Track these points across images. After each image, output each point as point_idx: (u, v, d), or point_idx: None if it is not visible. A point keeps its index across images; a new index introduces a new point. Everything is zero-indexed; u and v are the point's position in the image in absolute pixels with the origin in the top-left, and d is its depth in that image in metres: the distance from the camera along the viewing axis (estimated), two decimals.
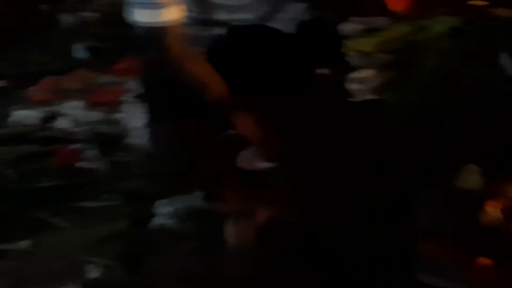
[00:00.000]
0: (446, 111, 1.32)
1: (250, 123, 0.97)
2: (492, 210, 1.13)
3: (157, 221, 1.39)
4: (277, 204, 1.20)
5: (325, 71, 1.09)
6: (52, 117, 1.85)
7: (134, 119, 1.78)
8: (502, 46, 1.42)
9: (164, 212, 1.47)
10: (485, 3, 1.54)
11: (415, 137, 1.27)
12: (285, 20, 1.13)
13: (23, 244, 1.43)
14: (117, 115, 1.81)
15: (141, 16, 0.97)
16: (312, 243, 1.14)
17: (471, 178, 1.21)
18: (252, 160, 1.50)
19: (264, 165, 1.43)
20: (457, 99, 1.32)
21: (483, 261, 1.08)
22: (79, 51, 2.20)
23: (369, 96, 1.35)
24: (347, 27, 1.50)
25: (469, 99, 1.32)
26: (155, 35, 0.99)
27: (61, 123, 1.82)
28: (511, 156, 1.25)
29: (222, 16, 1.11)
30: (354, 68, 1.41)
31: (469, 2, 1.56)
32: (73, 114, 1.84)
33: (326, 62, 1.09)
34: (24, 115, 1.86)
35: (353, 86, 1.35)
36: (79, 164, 1.67)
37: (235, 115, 0.97)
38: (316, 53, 1.09)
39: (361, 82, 1.39)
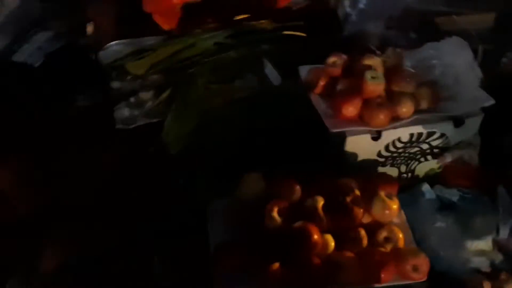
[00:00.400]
0: (223, 124, 1.36)
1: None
2: (271, 214, 1.18)
3: None
4: None
5: (85, 101, 1.02)
6: None
7: None
8: (266, 56, 1.52)
9: None
10: (247, 16, 1.63)
11: (195, 154, 1.28)
12: (33, 51, 1.02)
13: None
14: None
15: None
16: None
17: (253, 186, 1.26)
18: None
19: None
20: (232, 112, 1.36)
21: (273, 265, 1.14)
22: None
23: (145, 120, 1.32)
24: (113, 49, 1.44)
25: (244, 111, 1.38)
26: None
27: None
28: (286, 160, 1.34)
29: None
30: (127, 93, 1.36)
31: (235, 18, 1.63)
32: None
33: (86, 91, 1.02)
34: None
35: (126, 112, 1.30)
36: None
37: None
38: (72, 83, 1.01)
39: (136, 106, 1.35)
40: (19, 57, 1.03)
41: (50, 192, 1.15)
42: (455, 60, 1.40)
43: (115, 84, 1.33)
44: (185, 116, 1.30)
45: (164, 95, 1.38)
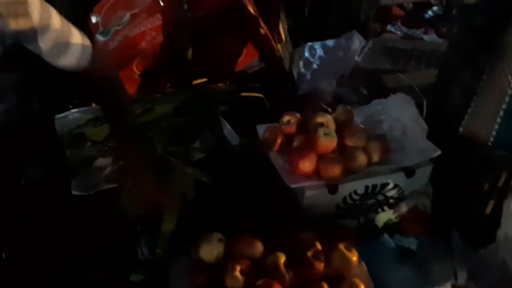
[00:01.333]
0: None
1: None
2: (233, 273, 1.18)
3: None
4: None
5: (39, 171, 1.02)
6: None
7: None
8: (224, 117, 1.57)
9: None
10: (205, 80, 1.69)
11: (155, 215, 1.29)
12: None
13: None
14: None
15: None
16: None
17: (213, 245, 1.26)
18: None
19: None
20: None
21: None
22: None
23: (105, 186, 1.33)
24: (72, 117, 1.46)
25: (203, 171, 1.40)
26: None
27: None
28: (246, 217, 1.35)
29: None
30: (85, 160, 1.37)
31: (193, 82, 1.69)
32: None
33: (41, 160, 1.02)
34: None
35: (83, 179, 1.30)
36: None
37: None
38: (26, 152, 1.02)
39: (95, 172, 1.36)
40: None
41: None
42: (401, 114, 1.48)
43: (72, 151, 1.34)
44: (143, 182, 1.31)
45: (122, 161, 1.38)
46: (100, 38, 1.64)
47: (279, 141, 1.46)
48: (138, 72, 1.66)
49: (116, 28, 1.62)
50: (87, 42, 1.09)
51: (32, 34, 0.94)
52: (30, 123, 1.13)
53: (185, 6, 1.55)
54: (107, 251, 1.37)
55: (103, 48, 1.63)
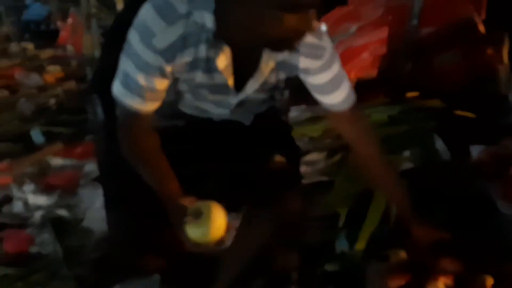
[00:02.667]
0: None
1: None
2: (437, 285, 1.18)
3: None
4: None
5: (279, 157, 1.17)
6: (5, 201, 1.83)
7: (91, 202, 1.79)
8: (436, 132, 1.58)
9: None
10: (417, 94, 1.72)
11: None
12: (245, 113, 1.21)
13: None
14: (73, 199, 1.83)
15: (119, 91, 1.01)
16: None
17: None
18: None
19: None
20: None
21: None
22: (35, 135, 2.23)
23: (318, 178, 1.45)
24: (295, 114, 1.62)
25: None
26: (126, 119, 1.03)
27: (15, 207, 1.80)
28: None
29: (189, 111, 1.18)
30: (304, 152, 1.51)
31: (406, 95, 1.73)
32: (26, 198, 1.83)
33: (280, 149, 1.17)
34: None
35: (303, 169, 1.44)
36: (31, 250, 1.65)
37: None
38: (271, 141, 1.17)
39: (310, 164, 1.49)
40: (235, 116, 1.21)
41: None
42: None
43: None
44: (354, 179, 1.39)
45: (336, 157, 1.50)
46: None
47: (494, 164, 1.42)
48: (354, 81, 1.76)
49: (342, 38, 1.75)
50: None
51: None
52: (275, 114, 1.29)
53: (415, 22, 1.60)
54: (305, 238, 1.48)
55: None
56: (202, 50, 0.97)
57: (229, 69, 1.00)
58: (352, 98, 1.10)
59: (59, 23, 3.31)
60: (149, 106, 1.00)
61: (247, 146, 1.15)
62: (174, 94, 1.08)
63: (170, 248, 1.20)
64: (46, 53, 3.04)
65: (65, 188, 1.88)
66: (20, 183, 1.90)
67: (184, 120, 1.12)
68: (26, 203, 1.82)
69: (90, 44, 2.22)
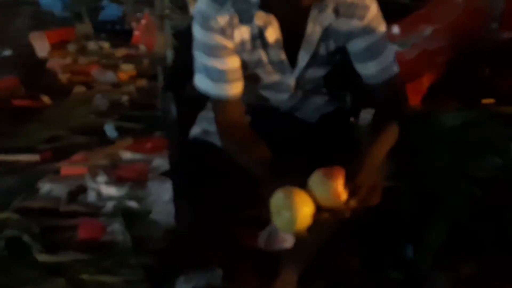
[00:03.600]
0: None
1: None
2: None
3: None
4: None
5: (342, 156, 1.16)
6: (80, 190, 1.93)
7: (159, 195, 1.86)
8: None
9: None
10: (492, 101, 1.64)
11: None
12: (310, 111, 1.22)
13: None
14: (142, 191, 1.90)
15: (204, 85, 1.07)
16: None
17: None
18: (270, 241, 1.54)
19: (281, 246, 1.47)
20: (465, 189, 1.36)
21: None
22: (109, 130, 2.33)
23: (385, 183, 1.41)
24: (362, 116, 1.59)
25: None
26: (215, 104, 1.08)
27: (88, 197, 1.89)
28: None
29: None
30: None
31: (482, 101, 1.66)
32: (99, 188, 1.92)
33: (342, 148, 1.17)
34: (54, 188, 1.95)
35: None
36: (102, 238, 1.73)
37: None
38: (335, 143, 1.17)
39: None
40: (300, 114, 1.23)
41: None
42: None
43: None
44: (424, 184, 1.36)
45: (401, 162, 1.46)
46: (397, 48, 1.75)
47: None
48: (426, 85, 1.71)
49: (416, 40, 1.71)
50: None
51: None
52: (343, 115, 1.29)
53: (495, 25, 1.53)
54: (369, 243, 1.45)
55: (398, 58, 1.73)
56: (255, 26, 1.04)
57: (280, 43, 1.06)
58: (391, 73, 1.09)
59: (133, 24, 3.45)
60: (235, 88, 1.06)
61: (310, 146, 1.15)
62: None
63: (234, 244, 1.23)
64: (121, 51, 3.18)
65: (135, 180, 1.96)
66: (94, 174, 1.99)
67: (249, 115, 1.15)
68: (99, 193, 1.91)
69: (162, 44, 2.30)
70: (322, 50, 1.08)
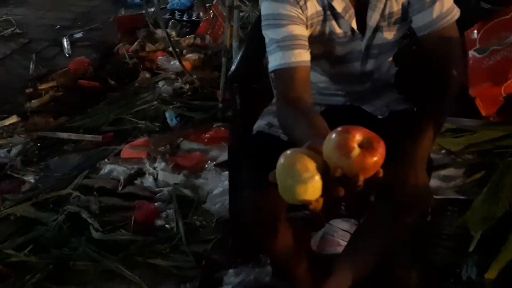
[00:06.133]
0: None
1: None
2: None
3: None
4: None
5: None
6: (138, 174, 1.97)
7: (213, 186, 1.86)
8: None
9: (230, 282, 1.48)
10: None
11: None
12: (379, 105, 1.19)
13: None
14: (197, 180, 1.90)
15: (273, 59, 1.07)
16: None
17: None
18: (323, 244, 1.50)
19: (335, 250, 1.42)
20: None
21: None
22: (170, 117, 2.36)
23: (452, 195, 1.34)
24: None
25: None
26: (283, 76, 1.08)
27: (146, 181, 1.92)
28: None
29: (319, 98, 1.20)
30: (438, 166, 1.41)
31: None
32: (157, 174, 1.95)
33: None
34: (113, 170, 2.00)
35: (435, 183, 1.34)
36: (156, 222, 1.75)
37: None
38: (399, 143, 1.11)
39: (445, 180, 1.38)
40: (368, 107, 1.19)
41: None
42: None
43: None
44: (496, 201, 1.27)
45: (478, 175, 1.38)
46: (475, 54, 1.66)
47: None
48: (504, 95, 1.61)
49: (496, 47, 1.61)
50: None
51: None
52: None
53: None
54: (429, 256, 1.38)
55: (476, 64, 1.64)
56: None
57: (348, 10, 1.08)
58: (444, 19, 1.07)
59: (201, 13, 3.48)
60: (303, 55, 1.06)
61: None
62: None
63: (289, 244, 1.20)
64: (186, 41, 3.22)
65: (191, 169, 1.97)
66: (152, 160, 2.02)
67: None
68: (156, 179, 1.94)
69: (229, 35, 2.29)
70: (389, 8, 1.09)
